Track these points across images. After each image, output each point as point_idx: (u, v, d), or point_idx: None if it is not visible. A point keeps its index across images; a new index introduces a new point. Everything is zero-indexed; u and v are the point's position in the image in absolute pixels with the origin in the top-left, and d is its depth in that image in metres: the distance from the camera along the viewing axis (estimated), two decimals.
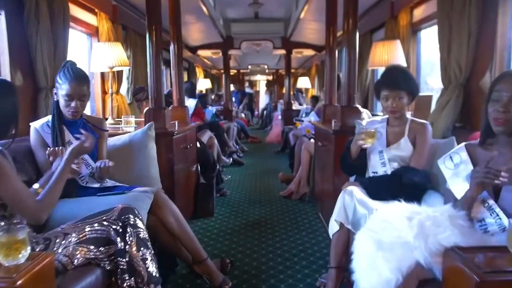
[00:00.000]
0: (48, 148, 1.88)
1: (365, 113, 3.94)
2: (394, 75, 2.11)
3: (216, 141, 4.92)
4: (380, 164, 2.07)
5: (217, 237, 3.06)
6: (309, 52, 8.48)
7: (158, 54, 2.67)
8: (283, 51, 8.21)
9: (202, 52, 8.38)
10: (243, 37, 7.73)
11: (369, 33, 4.73)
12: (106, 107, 3.57)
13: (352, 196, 1.90)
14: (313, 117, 5.98)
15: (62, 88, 1.97)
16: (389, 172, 2.05)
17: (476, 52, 2.41)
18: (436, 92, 3.34)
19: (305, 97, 9.11)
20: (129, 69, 4.06)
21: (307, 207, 3.85)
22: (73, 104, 1.98)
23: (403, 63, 3.21)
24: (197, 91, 7.69)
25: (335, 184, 2.74)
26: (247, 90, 14.68)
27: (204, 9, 5.34)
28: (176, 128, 2.88)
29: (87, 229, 1.54)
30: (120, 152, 2.41)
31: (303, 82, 8.80)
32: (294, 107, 8.14)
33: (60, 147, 1.88)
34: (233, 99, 12.30)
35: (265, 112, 13.17)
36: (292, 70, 9.40)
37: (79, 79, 1.98)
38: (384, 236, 1.32)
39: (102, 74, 3.69)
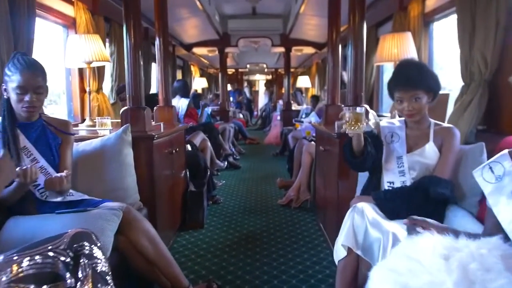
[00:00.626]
0: (18, 169, 1.51)
1: (371, 114, 3.61)
2: (407, 72, 1.76)
3: (209, 144, 4.59)
4: (398, 173, 1.74)
5: (206, 253, 2.72)
6: (309, 50, 8.14)
7: (136, 46, 2.34)
8: (282, 49, 7.88)
9: (197, 50, 8.04)
10: (240, 34, 7.40)
11: (374, 27, 4.39)
12: (85, 107, 3.23)
13: (363, 215, 1.56)
14: (313, 118, 5.65)
15: (12, 80, 1.64)
16: (408, 183, 1.71)
17: (504, 43, 2.07)
18: (448, 91, 3.01)
19: (305, 97, 8.78)
20: (113, 66, 3.72)
21: (307, 216, 3.51)
22: (27, 97, 1.65)
23: (414, 58, 2.87)
24: (192, 90, 7.37)
25: (339, 192, 2.41)
26: (247, 94, 14.34)
27: (198, 3, 5.01)
28: (162, 131, 2.54)
29: (24, 264, 1.20)
30: (90, 160, 2.07)
31: (303, 81, 8.47)
32: (293, 107, 7.80)
33: (31, 168, 1.51)
34: (231, 98, 11.98)
35: (264, 112, 12.84)
36: (292, 70, 9.05)
37: (32, 68, 1.65)
38: (412, 280, 0.98)
39: (81, 71, 3.35)
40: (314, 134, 4.57)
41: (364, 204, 1.61)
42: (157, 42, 3.05)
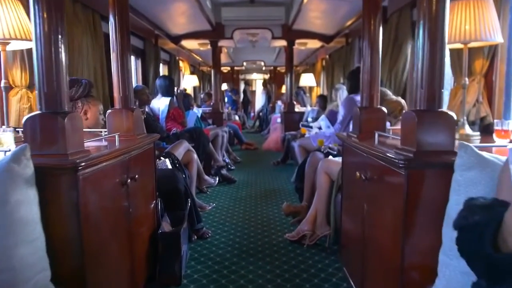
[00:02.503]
0: None
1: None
2: None
3: (196, 156, 3.60)
4: None
5: None
6: (314, 44, 7.17)
7: (50, 21, 1.33)
8: (283, 43, 6.90)
9: (187, 43, 7.04)
10: (236, 25, 6.41)
11: (408, 7, 3.42)
12: (11, 110, 2.23)
13: None
14: (323, 122, 4.69)
15: None
16: None
17: None
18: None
19: (309, 97, 7.82)
20: None
21: (329, 261, 2.54)
22: None
23: (498, 36, 1.89)
24: (180, 89, 6.37)
25: (404, 255, 1.43)
26: (247, 93, 13.34)
27: None
28: (107, 150, 1.56)
29: None
30: None
31: (307, 80, 7.51)
32: (296, 109, 6.83)
33: None
34: (225, 99, 11.01)
35: (261, 114, 11.88)
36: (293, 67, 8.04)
37: None
38: None
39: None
40: (330, 144, 3.60)
41: None
42: (111, 21, 2.06)
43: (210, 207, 3.60)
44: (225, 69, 12.73)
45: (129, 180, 1.71)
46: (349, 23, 5.18)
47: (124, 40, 2.06)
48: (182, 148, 3.48)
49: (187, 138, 4.09)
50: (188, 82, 7.26)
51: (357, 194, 2.00)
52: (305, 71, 8.72)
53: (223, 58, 10.66)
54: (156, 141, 2.34)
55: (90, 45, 2.96)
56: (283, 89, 13.14)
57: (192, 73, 7.99)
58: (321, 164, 2.84)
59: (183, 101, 5.24)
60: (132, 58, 4.79)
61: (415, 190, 1.31)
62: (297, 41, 6.72)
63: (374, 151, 1.64)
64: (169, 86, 4.54)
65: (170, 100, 4.43)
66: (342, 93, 4.62)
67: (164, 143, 3.78)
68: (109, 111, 2.06)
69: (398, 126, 2.56)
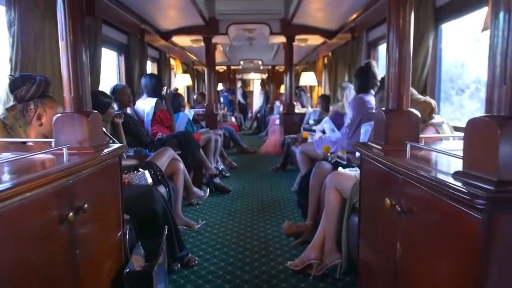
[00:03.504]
0: None
1: (445, 124, 2.17)
2: None
3: (182, 166, 3.10)
4: None
5: None
6: (314, 40, 6.69)
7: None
8: (282, 39, 6.40)
9: (178, 40, 6.55)
10: (231, 19, 5.91)
11: None
12: None
13: None
14: (327, 125, 4.21)
15: None
16: None
17: None
18: None
19: (310, 98, 7.33)
20: (13, 44, 2.23)
21: None
22: None
23: None
24: (170, 89, 5.87)
25: None
26: (239, 96, 12.83)
27: None
28: (33, 174, 1.09)
29: None
30: None
31: (307, 79, 7.03)
32: (296, 110, 6.34)
33: None
34: (221, 99, 10.52)
35: (258, 115, 11.40)
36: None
37: None
38: None
39: None
40: (337, 151, 3.12)
41: None
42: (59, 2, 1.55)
43: (198, 226, 3.10)
44: (221, 68, 12.23)
45: (71, 214, 1.22)
46: (354, 16, 4.70)
47: (77, 25, 1.56)
48: (166, 157, 2.99)
49: (174, 144, 3.60)
50: (180, 81, 6.76)
51: (385, 227, 1.51)
52: (305, 70, 8.23)
53: (219, 57, 10.17)
54: (123, 152, 1.85)
55: (53, 33, 2.44)
56: (282, 89, 12.68)
57: (185, 72, 7.49)
58: (330, 178, 2.35)
59: (173, 102, 4.76)
60: (114, 54, 4.30)
61: (502, 244, 0.82)
62: (297, 37, 6.23)
63: (419, 175, 1.15)
64: (156, 85, 4.06)
65: (157, 101, 3.94)
66: (349, 92, 4.15)
67: (147, 150, 3.29)
68: (56, 116, 1.57)
69: (428, 134, 2.09)
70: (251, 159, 6.69)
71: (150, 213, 2.08)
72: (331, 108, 5.62)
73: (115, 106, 3.50)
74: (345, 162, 2.73)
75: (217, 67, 12.16)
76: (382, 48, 4.38)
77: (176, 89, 5.91)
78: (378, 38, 4.18)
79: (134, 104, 4.10)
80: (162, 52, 5.81)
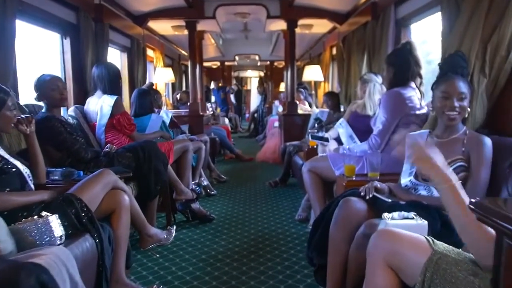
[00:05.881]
0: None
1: None
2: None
3: (127, 200, 1.99)
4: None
5: None
6: (320, 28, 5.61)
7: None
8: (282, 25, 5.30)
9: (157, 26, 5.46)
10: (219, 0, 4.83)
11: None
12: None
13: None
14: (342, 130, 3.14)
15: None
16: None
17: None
18: None
19: (314, 96, 6.22)
20: None
21: None
22: None
23: None
24: (147, 83, 4.78)
25: None
26: (232, 98, 11.72)
27: None
28: None
29: None
30: None
31: (312, 73, 5.93)
32: (299, 111, 5.24)
33: None
34: (213, 98, 9.43)
35: (255, 115, 10.31)
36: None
37: None
38: None
39: None
40: (366, 171, 2.03)
41: None
42: None
43: None
44: (214, 64, 11.14)
45: None
46: None
47: None
48: (101, 186, 1.89)
49: (127, 161, 2.51)
50: (161, 76, 5.66)
51: None
52: (308, 64, 7.12)
53: (211, 51, 9.07)
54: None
55: None
56: (281, 87, 11.57)
57: (169, 66, 6.40)
58: (377, 245, 1.25)
59: (143, 100, 3.67)
60: (57, 35, 3.20)
61: None
62: (300, 22, 5.13)
63: None
64: (113, 79, 2.96)
65: (117, 100, 2.85)
66: (373, 87, 3.07)
67: (81, 172, 2.19)
68: None
69: None
70: (245, 168, 5.60)
71: None
72: (341, 107, 4.53)
73: (43, 106, 2.42)
74: (389, 200, 1.63)
75: (209, 63, 11.06)
76: (416, 28, 3.28)
77: (152, 84, 4.81)
78: (412, 13, 3.09)
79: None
80: (134, 40, 4.71)
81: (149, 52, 5.69)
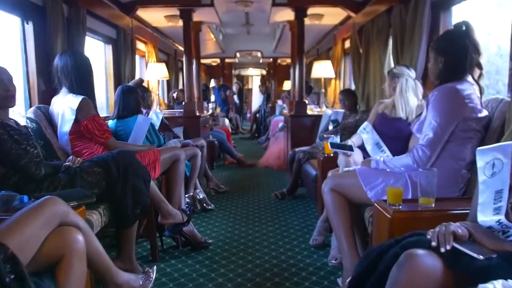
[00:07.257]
0: None
1: None
2: None
3: (82, 239, 1.39)
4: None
5: None
6: (331, 19, 5.02)
7: None
8: (289, 15, 4.70)
9: (148, 16, 4.87)
10: None
11: None
12: None
13: None
14: (367, 136, 2.55)
15: None
16: None
17: None
18: None
19: (325, 95, 5.62)
20: None
21: None
22: None
23: None
24: (136, 79, 4.19)
25: None
26: (235, 98, 11.12)
27: None
28: None
29: None
30: None
31: (321, 69, 5.32)
32: (308, 111, 4.64)
33: None
34: (213, 97, 8.83)
35: (257, 115, 9.73)
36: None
37: None
38: None
39: None
40: (417, 197, 1.43)
41: None
42: None
43: None
44: (213, 61, 10.54)
45: None
46: None
47: None
48: (42, 223, 1.29)
49: (95, 179, 1.92)
50: (153, 72, 5.07)
51: None
52: (316, 60, 6.49)
53: (211, 47, 8.46)
54: None
55: None
56: (285, 86, 10.96)
57: (164, 62, 5.81)
58: None
59: (127, 99, 3.08)
60: (16, 19, 2.61)
61: None
62: (310, 11, 4.52)
63: None
64: (81, 72, 2.35)
65: (83, 100, 2.24)
66: (406, 83, 2.46)
67: (25, 196, 1.60)
68: None
69: None
70: (247, 175, 5.00)
71: None
72: (360, 108, 3.93)
73: None
74: (481, 258, 1.03)
75: (209, 60, 10.45)
76: (459, 11, 2.68)
77: (142, 81, 4.22)
78: None
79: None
80: (121, 30, 4.11)
81: (141, 46, 5.10)
